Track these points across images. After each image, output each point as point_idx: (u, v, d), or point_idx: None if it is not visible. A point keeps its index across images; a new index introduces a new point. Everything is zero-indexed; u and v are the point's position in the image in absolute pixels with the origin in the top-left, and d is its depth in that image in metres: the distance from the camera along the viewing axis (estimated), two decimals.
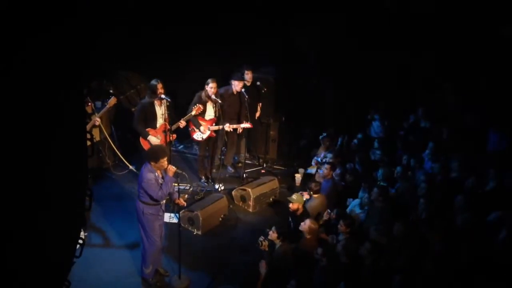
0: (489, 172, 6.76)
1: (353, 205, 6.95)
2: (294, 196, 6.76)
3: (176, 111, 8.29)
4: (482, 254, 4.98)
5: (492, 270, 4.71)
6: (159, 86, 7.24)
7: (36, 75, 1.98)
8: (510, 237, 5.14)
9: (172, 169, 5.64)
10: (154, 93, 7.25)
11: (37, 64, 1.98)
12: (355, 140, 8.90)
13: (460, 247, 5.08)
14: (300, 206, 6.66)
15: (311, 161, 8.79)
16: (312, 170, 8.57)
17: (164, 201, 5.84)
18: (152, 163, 5.54)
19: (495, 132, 7.89)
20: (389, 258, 5.14)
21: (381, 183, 7.17)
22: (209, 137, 8.08)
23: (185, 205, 6.35)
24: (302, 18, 9.39)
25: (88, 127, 7.55)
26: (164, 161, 5.55)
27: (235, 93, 8.22)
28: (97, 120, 7.49)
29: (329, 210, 6.52)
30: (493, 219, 5.65)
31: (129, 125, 7.77)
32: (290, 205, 6.69)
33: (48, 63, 2.02)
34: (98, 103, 8.08)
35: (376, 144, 8.67)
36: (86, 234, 6.43)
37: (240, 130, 8.27)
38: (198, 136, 8.01)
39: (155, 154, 5.59)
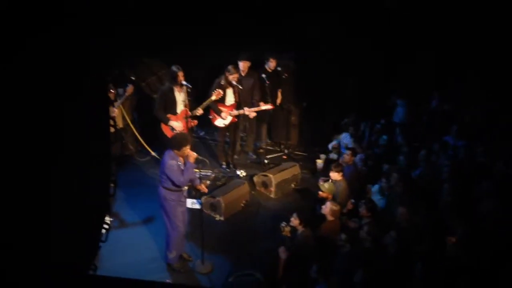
0: None
1: (374, 191, 6.90)
2: (326, 185, 6.73)
3: (196, 98, 8.30)
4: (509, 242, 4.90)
5: None
6: (180, 73, 7.25)
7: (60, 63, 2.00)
8: None
9: (193, 155, 5.68)
10: (174, 79, 7.27)
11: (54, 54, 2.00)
12: (378, 125, 8.81)
13: (485, 234, 5.01)
14: (330, 195, 6.65)
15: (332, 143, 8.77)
16: (333, 155, 8.53)
17: (186, 187, 5.90)
18: (175, 151, 5.59)
19: None
20: (411, 244, 5.10)
21: (404, 168, 7.11)
22: (230, 123, 8.08)
23: (207, 191, 6.39)
24: (317, 5, 9.26)
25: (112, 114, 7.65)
26: (186, 149, 5.62)
27: (255, 78, 8.18)
28: (117, 107, 7.56)
29: (353, 200, 6.48)
30: None
31: (151, 111, 7.82)
32: (320, 193, 6.66)
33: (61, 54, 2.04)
34: (121, 90, 8.16)
35: (398, 130, 8.57)
36: (111, 219, 6.53)
37: (254, 114, 8.11)
38: (220, 122, 8.01)
39: (178, 142, 5.63)
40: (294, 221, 5.85)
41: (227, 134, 8.36)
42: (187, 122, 7.35)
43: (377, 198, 6.61)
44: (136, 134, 8.27)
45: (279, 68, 8.64)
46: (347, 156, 7.38)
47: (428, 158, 7.22)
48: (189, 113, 7.36)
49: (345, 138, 8.58)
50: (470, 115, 8.34)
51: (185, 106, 7.32)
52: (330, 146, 8.81)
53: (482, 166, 6.72)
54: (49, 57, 2.02)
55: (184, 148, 5.59)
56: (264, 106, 8.08)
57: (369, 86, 9.53)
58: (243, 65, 8.10)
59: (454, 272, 4.64)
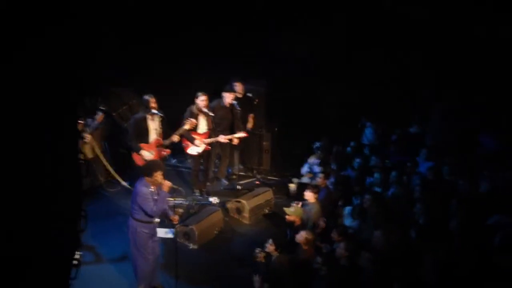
0: (482, 174, 6.79)
1: (346, 214, 6.94)
2: (292, 209, 6.74)
3: (170, 126, 8.27)
4: (481, 258, 4.97)
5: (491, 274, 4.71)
6: (152, 100, 7.26)
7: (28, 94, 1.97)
8: (507, 240, 5.15)
9: (167, 184, 5.61)
10: (147, 108, 7.26)
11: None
12: (349, 148, 8.94)
13: (458, 253, 5.08)
14: (298, 218, 6.64)
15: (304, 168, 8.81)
16: (306, 179, 8.57)
17: (158, 219, 5.80)
18: (146, 178, 5.51)
19: (487, 134, 7.95)
20: (387, 266, 5.12)
21: (375, 189, 7.20)
22: (204, 151, 8.06)
23: (178, 222, 6.28)
24: (294, 26, 9.48)
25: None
26: (158, 175, 5.53)
27: (227, 105, 8.23)
28: (87, 137, 7.46)
29: (324, 219, 6.51)
30: (493, 222, 5.65)
31: (121, 141, 7.75)
32: (287, 217, 6.67)
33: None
34: (90, 120, 8.07)
35: (367, 151, 8.71)
36: (81, 253, 6.35)
37: (236, 141, 8.23)
38: (193, 150, 7.99)
39: (149, 168, 5.58)
40: (270, 247, 5.82)
41: (201, 161, 8.33)
42: (159, 151, 7.30)
43: (349, 221, 6.65)
44: (106, 164, 8.14)
45: (249, 94, 8.73)
46: (320, 179, 7.43)
47: (400, 179, 7.33)
48: (162, 142, 7.32)
49: (313, 162, 8.66)
50: (437, 136, 8.54)
51: (158, 135, 7.28)
52: (302, 170, 8.86)
53: (449, 185, 6.86)
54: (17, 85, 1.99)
55: (155, 174, 5.50)
56: (238, 134, 8.12)
57: (340, 109, 9.70)
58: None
59: None
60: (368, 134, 9.31)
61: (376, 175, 7.64)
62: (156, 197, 5.53)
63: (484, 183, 6.73)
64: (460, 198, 6.17)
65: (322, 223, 6.48)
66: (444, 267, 4.80)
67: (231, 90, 8.24)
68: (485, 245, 5.18)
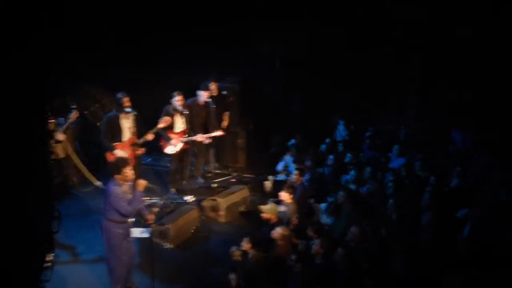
0: (453, 170, 6.96)
1: (321, 210, 7.01)
2: (267, 206, 6.76)
3: (145, 124, 8.20)
4: (449, 251, 5.11)
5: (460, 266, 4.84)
6: (125, 99, 7.19)
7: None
8: (475, 232, 5.31)
9: (142, 183, 5.56)
10: (120, 106, 7.17)
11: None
12: (323, 145, 9.02)
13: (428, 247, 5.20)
14: (274, 216, 6.67)
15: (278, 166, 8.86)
16: (281, 176, 8.61)
17: (133, 219, 5.73)
18: (116, 176, 5.44)
19: (458, 132, 8.15)
20: (360, 261, 5.20)
21: (350, 186, 7.29)
22: (181, 149, 8.02)
23: (153, 221, 6.22)
24: (265, 24, 9.50)
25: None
26: (127, 171, 5.44)
27: (202, 103, 8.21)
28: (59, 136, 7.33)
29: (297, 215, 6.56)
30: (462, 215, 5.81)
31: (94, 140, 7.65)
32: (263, 215, 6.68)
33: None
34: (61, 119, 7.93)
35: (341, 148, 8.81)
36: (53, 255, 6.25)
37: (210, 140, 8.23)
38: (170, 149, 7.95)
39: (116, 166, 5.49)
40: (246, 245, 5.83)
41: (179, 160, 8.29)
42: (133, 150, 7.22)
43: (324, 217, 6.72)
44: (78, 164, 8.02)
45: (224, 92, 8.73)
46: (295, 176, 7.47)
47: (374, 175, 7.45)
48: (136, 140, 7.25)
49: (288, 160, 8.71)
50: (409, 132, 8.71)
51: (132, 133, 7.21)
52: (278, 168, 8.90)
53: (421, 181, 7.00)
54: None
55: (124, 171, 5.41)
56: (216, 133, 8.12)
57: (313, 107, 9.78)
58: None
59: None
60: (341, 131, 9.43)
61: (352, 172, 7.74)
62: (130, 196, 5.47)
63: (455, 179, 6.92)
64: (432, 193, 6.31)
65: (294, 219, 6.54)
66: (413, 261, 4.91)
67: (206, 88, 8.23)
68: (455, 237, 5.33)
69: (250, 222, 7.74)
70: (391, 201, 6.42)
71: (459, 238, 5.48)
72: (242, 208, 8.08)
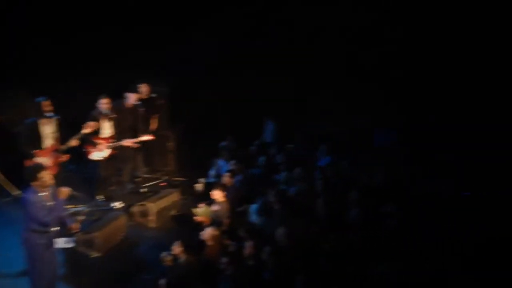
0: (377, 168, 7.25)
1: (252, 211, 7.05)
2: (199, 209, 6.69)
3: (69, 129, 7.85)
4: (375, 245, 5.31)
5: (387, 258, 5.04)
6: (45, 103, 6.86)
7: None
8: (401, 226, 5.56)
9: (65, 191, 5.31)
10: (39, 111, 6.82)
11: None
12: (253, 147, 9.08)
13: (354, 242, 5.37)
14: (206, 219, 6.62)
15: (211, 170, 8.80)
16: (212, 179, 8.57)
17: (57, 228, 5.46)
18: (33, 183, 5.14)
19: (381, 130, 8.51)
20: (290, 259, 5.28)
21: (282, 186, 7.38)
22: (110, 156, 7.74)
23: (78, 230, 5.97)
24: (193, 28, 9.46)
25: None
26: (43, 177, 5.14)
27: (129, 106, 8.00)
28: None
29: (229, 215, 6.56)
30: (386, 210, 6.05)
31: (12, 147, 7.22)
32: (196, 218, 6.62)
33: None
34: None
35: (271, 149, 8.91)
36: None
37: (138, 145, 8.02)
38: (96, 155, 7.65)
39: (30, 173, 5.18)
40: (177, 249, 5.74)
41: (106, 166, 8.00)
42: (56, 157, 6.89)
43: (255, 218, 6.76)
44: None
45: (153, 95, 8.55)
46: (226, 178, 7.47)
47: (304, 175, 7.59)
48: (59, 147, 6.92)
49: (221, 164, 8.69)
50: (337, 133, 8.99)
51: (55, 139, 6.88)
52: (210, 173, 8.82)
53: (348, 179, 7.24)
54: None
55: (39, 177, 5.11)
56: (144, 137, 7.95)
57: (245, 108, 9.84)
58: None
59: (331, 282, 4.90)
60: (270, 132, 9.56)
61: (282, 172, 7.84)
62: (50, 204, 5.19)
63: (379, 176, 7.21)
64: (358, 190, 6.53)
65: (226, 219, 6.53)
66: (339, 256, 5.07)
67: (135, 91, 8.02)
68: (379, 231, 5.55)
69: (182, 226, 7.64)
70: (319, 199, 6.56)
71: (384, 232, 5.71)
72: (173, 212, 7.96)
